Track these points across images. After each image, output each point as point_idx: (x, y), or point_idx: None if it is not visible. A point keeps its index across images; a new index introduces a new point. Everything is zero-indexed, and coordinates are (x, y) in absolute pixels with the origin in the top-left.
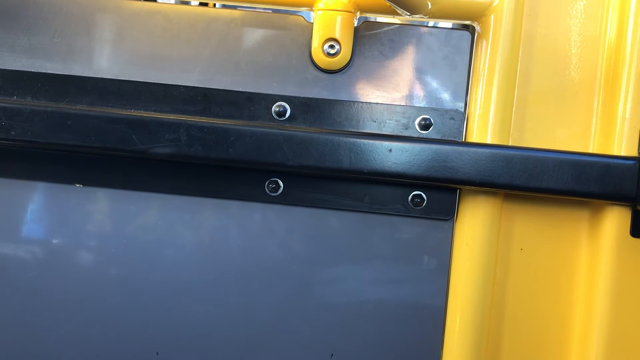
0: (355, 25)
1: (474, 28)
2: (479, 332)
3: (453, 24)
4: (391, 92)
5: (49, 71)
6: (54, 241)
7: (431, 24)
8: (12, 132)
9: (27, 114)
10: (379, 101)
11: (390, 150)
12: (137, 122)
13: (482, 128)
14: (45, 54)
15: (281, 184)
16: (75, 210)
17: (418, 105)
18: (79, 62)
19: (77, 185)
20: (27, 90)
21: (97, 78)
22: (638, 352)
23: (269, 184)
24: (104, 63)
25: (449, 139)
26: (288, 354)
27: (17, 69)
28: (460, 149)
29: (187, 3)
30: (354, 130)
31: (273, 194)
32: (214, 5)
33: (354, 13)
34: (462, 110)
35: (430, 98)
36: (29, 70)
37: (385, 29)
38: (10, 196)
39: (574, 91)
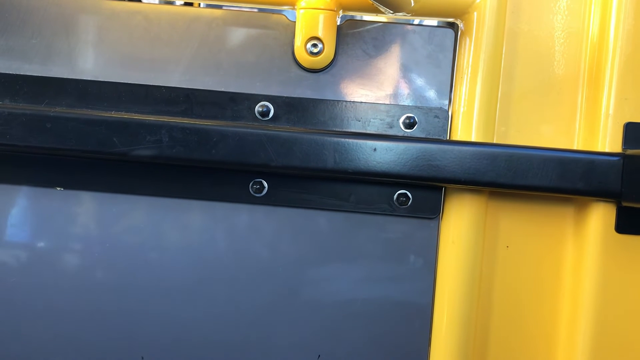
0: (338, 23)
1: (457, 26)
2: (466, 329)
3: (436, 22)
4: (375, 91)
5: (27, 73)
6: (36, 245)
7: (414, 22)
8: None
9: (4, 116)
10: (363, 100)
11: (375, 149)
12: (117, 123)
13: (467, 126)
14: (23, 55)
15: (265, 184)
16: (57, 214)
17: (402, 104)
18: (58, 64)
19: (58, 189)
20: (5, 92)
21: (77, 80)
22: (624, 347)
23: (253, 184)
24: (83, 64)
25: (434, 137)
26: (275, 354)
27: None
28: (445, 147)
29: (171, 3)
30: (338, 129)
31: (257, 195)
32: (199, 5)
33: (337, 11)
34: (447, 108)
35: (414, 96)
36: (7, 72)
37: (369, 27)
38: None
39: (557, 88)
